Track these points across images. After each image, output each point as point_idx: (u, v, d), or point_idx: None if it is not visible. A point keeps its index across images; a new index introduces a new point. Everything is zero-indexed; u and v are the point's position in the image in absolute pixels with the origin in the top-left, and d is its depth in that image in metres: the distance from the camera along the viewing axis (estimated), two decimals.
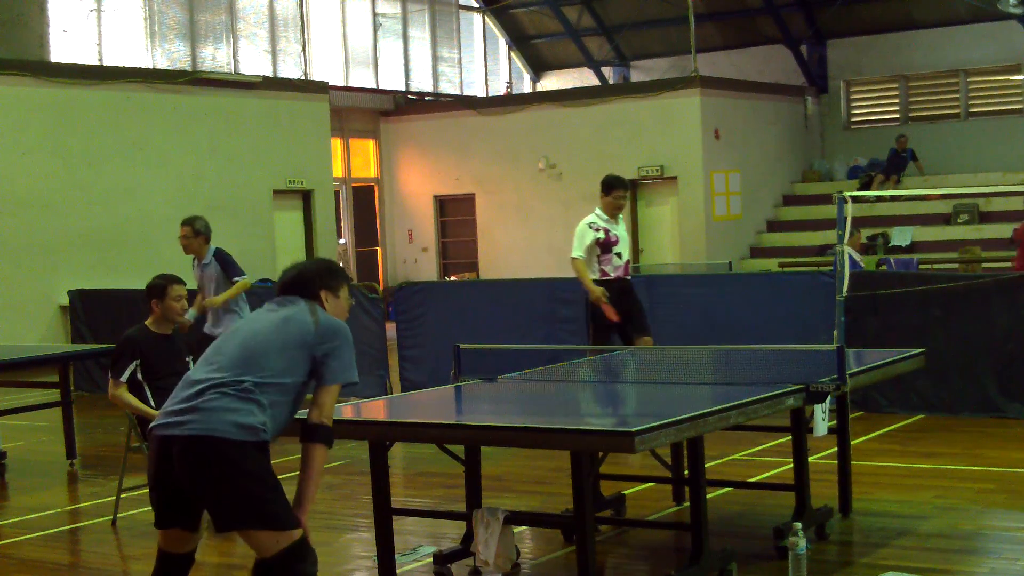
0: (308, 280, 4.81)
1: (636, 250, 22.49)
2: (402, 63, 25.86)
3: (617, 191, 10.23)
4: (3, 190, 16.27)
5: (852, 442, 7.46)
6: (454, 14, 27.02)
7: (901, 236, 21.94)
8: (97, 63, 19.83)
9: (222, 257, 10.14)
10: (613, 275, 10.09)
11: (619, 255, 10.13)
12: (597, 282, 10.04)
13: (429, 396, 7.43)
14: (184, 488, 4.51)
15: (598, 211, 10.24)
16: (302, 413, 4.75)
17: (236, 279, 10.13)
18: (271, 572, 4.48)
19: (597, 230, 10.09)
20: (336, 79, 23.92)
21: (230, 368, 4.57)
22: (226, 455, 4.41)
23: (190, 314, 9.74)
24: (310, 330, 4.64)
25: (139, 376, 7.52)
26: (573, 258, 10.11)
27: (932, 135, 24.06)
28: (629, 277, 10.34)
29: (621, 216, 10.33)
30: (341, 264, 21.87)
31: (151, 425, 4.68)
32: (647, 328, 10.28)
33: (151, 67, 20.41)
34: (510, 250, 23.63)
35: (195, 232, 10.09)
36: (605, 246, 10.10)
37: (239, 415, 4.45)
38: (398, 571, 6.19)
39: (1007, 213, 21.32)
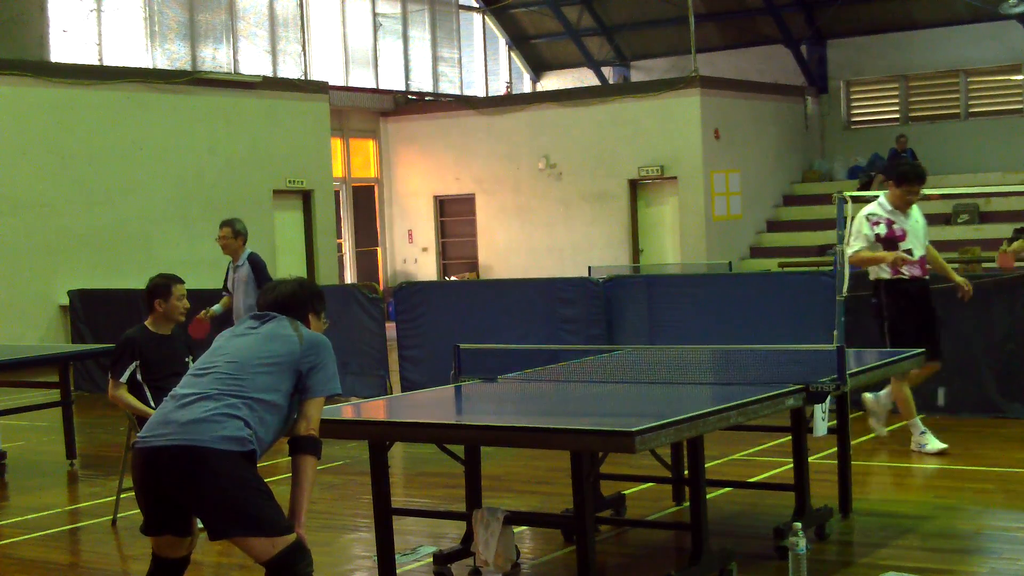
0: (303, 302, 4.93)
1: (636, 250, 22.49)
2: (402, 63, 25.85)
3: (909, 185, 8.61)
4: (3, 190, 16.27)
5: (852, 442, 7.45)
6: (454, 14, 27.01)
7: None
8: (97, 63, 19.83)
9: (255, 262, 10.35)
10: (908, 274, 8.63)
11: (909, 252, 8.63)
12: (890, 283, 8.62)
13: (429, 396, 7.42)
14: (174, 498, 4.52)
15: (882, 199, 8.73)
16: None
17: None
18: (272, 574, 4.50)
19: (876, 223, 8.62)
20: (336, 79, 23.91)
21: (216, 384, 4.59)
22: (214, 464, 4.42)
23: (216, 308, 10.26)
24: (295, 346, 4.71)
25: (139, 377, 7.54)
26: (852, 254, 8.66)
27: (932, 135, 24.07)
28: (927, 277, 8.80)
29: (915, 206, 8.82)
30: (338, 264, 22.09)
31: (136, 438, 4.68)
32: (937, 351, 8.63)
33: (151, 67, 20.41)
34: (510, 250, 23.62)
35: (235, 233, 10.32)
36: (889, 242, 8.59)
37: (225, 430, 4.47)
38: (398, 571, 6.18)
39: (1007, 213, 21.33)
